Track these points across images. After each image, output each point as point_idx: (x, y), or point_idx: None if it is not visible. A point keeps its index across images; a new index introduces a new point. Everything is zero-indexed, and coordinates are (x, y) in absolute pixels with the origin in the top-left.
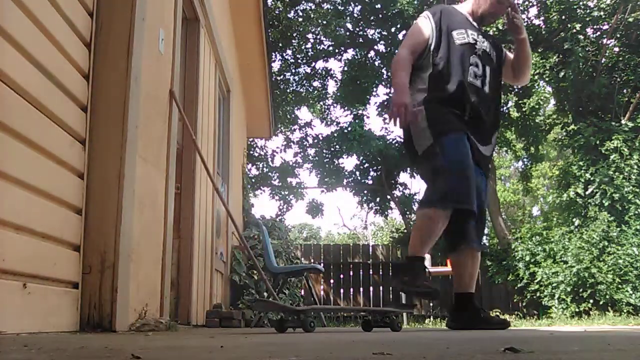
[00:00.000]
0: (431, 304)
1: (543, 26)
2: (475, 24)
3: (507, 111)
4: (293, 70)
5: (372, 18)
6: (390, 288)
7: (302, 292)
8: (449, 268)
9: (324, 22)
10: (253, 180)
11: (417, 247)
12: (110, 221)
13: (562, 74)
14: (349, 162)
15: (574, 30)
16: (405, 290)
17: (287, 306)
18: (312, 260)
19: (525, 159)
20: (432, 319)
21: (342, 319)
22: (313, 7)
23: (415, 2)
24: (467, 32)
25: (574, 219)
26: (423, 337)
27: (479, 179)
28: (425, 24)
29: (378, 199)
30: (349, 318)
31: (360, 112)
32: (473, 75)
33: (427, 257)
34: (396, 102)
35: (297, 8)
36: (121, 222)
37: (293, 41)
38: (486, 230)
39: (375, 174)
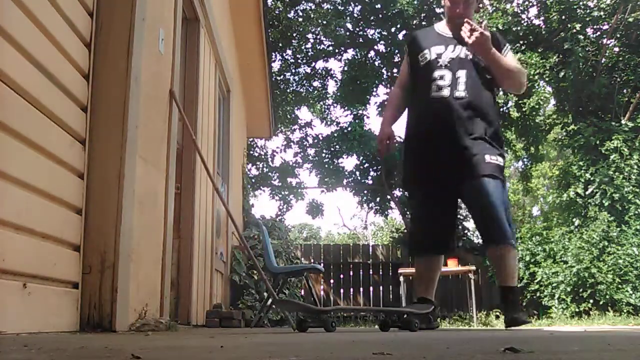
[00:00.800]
0: None
1: (543, 26)
2: (448, 34)
3: (507, 111)
4: (293, 70)
5: (372, 18)
6: (390, 288)
7: (302, 292)
8: (448, 268)
9: (324, 22)
10: (253, 180)
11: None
12: (110, 221)
13: (562, 74)
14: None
15: (574, 30)
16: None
17: (310, 306)
18: (312, 260)
19: (525, 159)
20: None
21: (342, 319)
22: (313, 7)
23: (415, 2)
24: (429, 50)
25: (574, 219)
26: (423, 337)
27: (470, 187)
28: (405, 59)
29: (378, 199)
30: (349, 318)
31: (360, 112)
32: (436, 89)
33: None
34: (379, 134)
35: (297, 8)
36: (121, 222)
37: (293, 41)
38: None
39: (375, 174)
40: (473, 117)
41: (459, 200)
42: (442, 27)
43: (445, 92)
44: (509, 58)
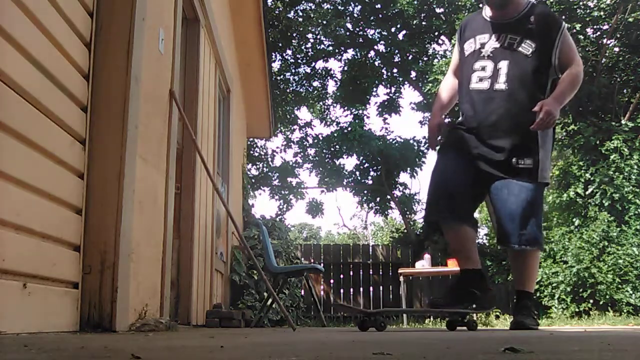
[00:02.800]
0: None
1: None
2: (494, 20)
3: None
4: (293, 70)
5: (372, 18)
6: (390, 288)
7: (302, 292)
8: (448, 268)
9: (324, 22)
10: (253, 180)
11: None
12: (110, 221)
13: None
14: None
15: (574, 30)
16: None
17: (363, 309)
18: (312, 260)
19: None
20: (432, 318)
21: (342, 319)
22: (313, 7)
23: (415, 2)
24: (475, 39)
25: (574, 219)
26: (423, 337)
27: (498, 187)
28: (456, 45)
29: (378, 199)
30: (349, 318)
31: (360, 112)
32: (477, 80)
33: (427, 257)
34: (429, 123)
35: (297, 8)
36: (121, 222)
37: (293, 41)
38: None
39: (375, 174)
40: (510, 113)
41: (486, 193)
42: (488, 11)
43: (485, 84)
44: (566, 45)
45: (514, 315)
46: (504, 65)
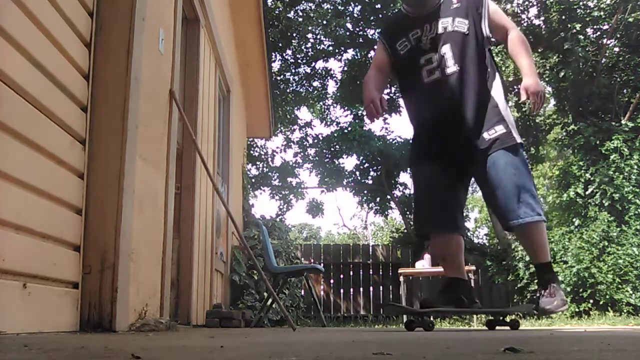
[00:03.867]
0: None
1: (543, 26)
2: (419, 14)
3: None
4: (293, 70)
5: (372, 18)
6: (390, 288)
7: (302, 292)
8: None
9: (324, 22)
10: (253, 180)
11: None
12: (110, 221)
13: (562, 74)
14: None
15: (574, 30)
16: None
17: (413, 309)
18: (312, 260)
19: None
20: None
21: (342, 319)
22: (313, 7)
23: None
24: (408, 38)
25: (574, 219)
26: (423, 337)
27: (478, 170)
28: (380, 45)
29: (378, 199)
30: (349, 318)
31: (360, 112)
32: (427, 75)
33: (427, 257)
34: (365, 100)
35: (297, 8)
36: (121, 222)
37: (293, 41)
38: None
39: (375, 174)
40: (469, 91)
41: (469, 183)
42: (410, 9)
43: (437, 74)
44: (493, 13)
45: (538, 296)
46: (446, 49)
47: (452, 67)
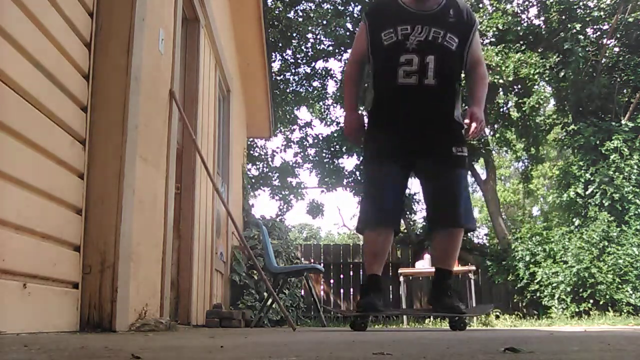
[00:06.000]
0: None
1: (543, 26)
2: (412, 8)
3: (507, 111)
4: (293, 70)
5: None
6: (390, 288)
7: (302, 292)
8: None
9: (324, 22)
10: (253, 180)
11: (365, 265)
12: (110, 221)
13: (562, 74)
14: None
15: (574, 30)
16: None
17: (350, 312)
18: (312, 260)
19: (525, 160)
20: (432, 319)
21: (342, 319)
22: (313, 7)
23: None
24: (395, 30)
25: (574, 219)
26: (423, 337)
27: (436, 175)
28: (362, 30)
29: None
30: (349, 318)
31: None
32: (404, 75)
33: (427, 257)
34: (345, 125)
35: (297, 8)
36: (121, 222)
37: (293, 41)
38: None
39: None
40: (440, 110)
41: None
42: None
43: (413, 80)
44: (476, 43)
45: (438, 296)
46: (431, 60)
47: (430, 80)
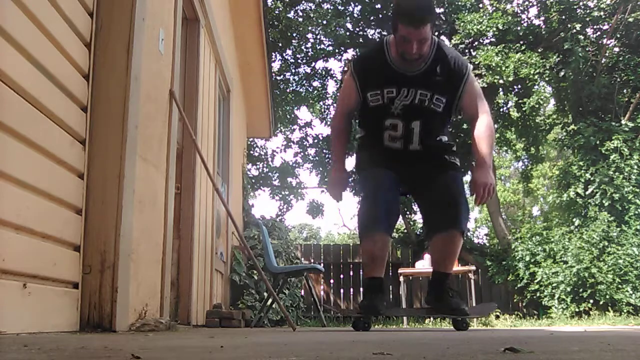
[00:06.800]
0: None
1: (543, 26)
2: (399, 67)
3: (507, 111)
4: (293, 70)
5: (372, 18)
6: (390, 288)
7: (302, 292)
8: None
9: (324, 22)
10: (253, 180)
11: (364, 269)
12: (110, 221)
13: (562, 74)
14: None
15: (574, 30)
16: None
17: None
18: (312, 260)
19: (525, 159)
20: (432, 319)
21: (342, 319)
22: (313, 7)
23: None
24: (382, 92)
25: (574, 219)
26: (423, 337)
27: (433, 177)
28: (351, 85)
29: None
30: (349, 318)
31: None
32: (389, 139)
33: (427, 257)
34: (330, 183)
35: (297, 8)
36: (121, 222)
37: (293, 41)
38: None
39: None
40: (426, 158)
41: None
42: (393, 55)
43: (398, 145)
44: (470, 93)
45: (440, 297)
46: (416, 125)
47: (415, 145)
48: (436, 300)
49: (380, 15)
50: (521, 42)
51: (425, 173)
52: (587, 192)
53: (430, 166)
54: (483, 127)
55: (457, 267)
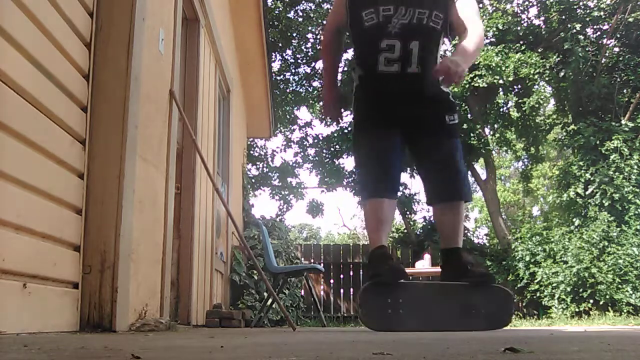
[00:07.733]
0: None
1: (543, 26)
2: None
3: (507, 111)
4: (293, 70)
5: None
6: None
7: (302, 292)
8: None
9: (324, 22)
10: (253, 180)
11: (369, 236)
12: (110, 221)
13: (562, 74)
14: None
15: (574, 30)
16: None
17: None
18: (312, 260)
19: (525, 159)
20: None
21: (342, 319)
22: (313, 7)
23: None
24: (377, 10)
25: (574, 219)
26: (423, 337)
27: (433, 146)
28: (341, 1)
29: None
30: (349, 318)
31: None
32: (385, 63)
33: (427, 257)
34: (323, 102)
35: (297, 8)
36: (121, 222)
37: (293, 41)
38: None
39: None
40: (425, 90)
41: (411, 153)
42: None
43: (396, 68)
44: (462, 4)
45: (465, 273)
46: (415, 45)
47: (414, 67)
48: (461, 276)
49: None
50: (521, 42)
51: (425, 129)
52: (587, 192)
53: (429, 120)
54: (472, 33)
55: None
